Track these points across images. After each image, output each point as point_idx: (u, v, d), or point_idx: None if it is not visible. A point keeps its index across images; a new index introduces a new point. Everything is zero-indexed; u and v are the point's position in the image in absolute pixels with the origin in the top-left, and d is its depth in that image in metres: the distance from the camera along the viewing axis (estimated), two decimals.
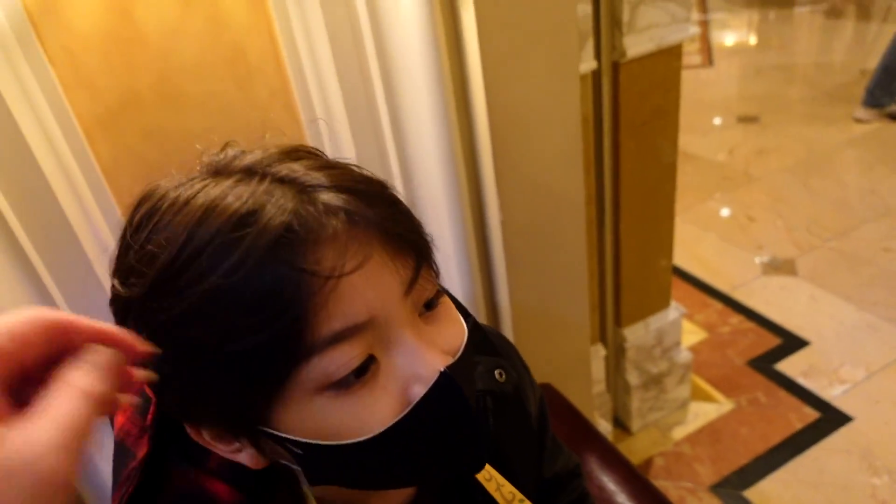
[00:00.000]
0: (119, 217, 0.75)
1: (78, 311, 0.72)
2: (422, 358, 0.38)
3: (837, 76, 3.58)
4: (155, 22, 0.73)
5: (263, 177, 0.36)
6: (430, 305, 0.41)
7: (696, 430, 1.65)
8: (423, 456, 0.40)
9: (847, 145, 2.91)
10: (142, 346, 0.33)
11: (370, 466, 0.39)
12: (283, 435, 0.37)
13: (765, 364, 1.82)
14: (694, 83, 3.77)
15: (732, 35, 4.52)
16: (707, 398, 1.74)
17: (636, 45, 1.17)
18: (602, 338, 1.53)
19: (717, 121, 3.33)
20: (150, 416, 0.43)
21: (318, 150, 0.42)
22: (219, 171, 0.38)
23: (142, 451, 0.42)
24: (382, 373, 0.38)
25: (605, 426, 1.53)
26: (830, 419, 1.63)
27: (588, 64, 1.14)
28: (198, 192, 0.36)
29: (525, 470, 0.57)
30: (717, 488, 1.50)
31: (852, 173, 2.71)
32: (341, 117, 0.86)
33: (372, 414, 0.37)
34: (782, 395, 1.72)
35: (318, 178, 0.37)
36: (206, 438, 0.40)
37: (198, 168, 0.40)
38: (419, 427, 0.38)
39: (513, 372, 0.59)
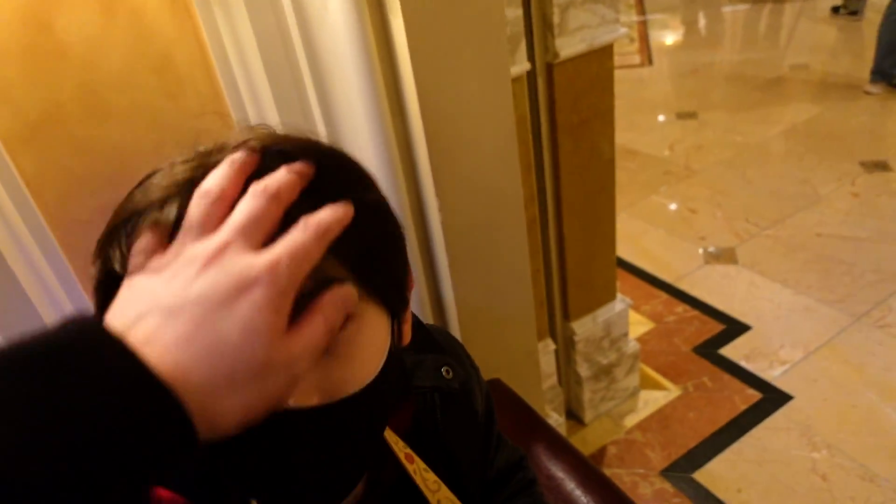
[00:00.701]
0: (46, 230, 0.73)
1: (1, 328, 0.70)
2: None
3: (769, 72, 3.74)
4: (76, 33, 0.72)
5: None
6: None
7: (647, 417, 1.70)
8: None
9: (779, 137, 3.04)
10: None
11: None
12: None
13: (709, 350, 1.89)
14: (635, 82, 3.89)
15: (670, 35, 4.67)
16: (656, 386, 1.79)
17: (568, 47, 1.21)
18: (551, 332, 1.56)
19: (661, 118, 3.43)
20: None
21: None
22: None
23: None
24: None
25: (556, 419, 1.56)
26: (771, 399, 1.71)
27: (522, 66, 1.17)
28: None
29: (470, 466, 0.58)
30: (667, 472, 1.55)
31: (785, 164, 2.84)
32: (275, 123, 0.86)
33: None
34: (726, 378, 1.79)
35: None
36: None
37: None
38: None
39: (459, 369, 0.60)
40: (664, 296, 2.13)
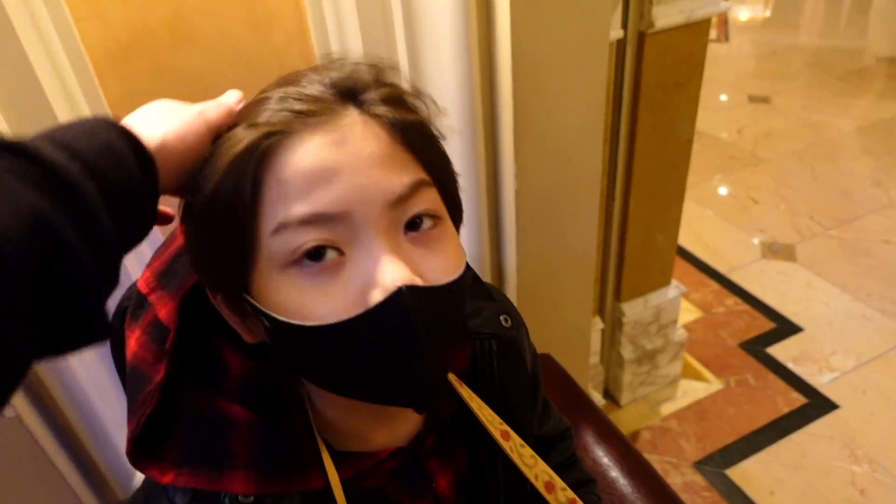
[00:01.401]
0: None
1: None
2: (383, 266, 0.37)
3: (853, 62, 3.52)
4: None
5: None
6: (414, 225, 0.40)
7: (684, 406, 1.67)
8: (366, 366, 0.39)
9: (856, 134, 2.88)
10: None
11: (320, 358, 0.40)
12: (258, 305, 0.40)
13: (757, 347, 1.84)
14: (709, 59, 3.67)
15: (748, 11, 4.42)
16: (697, 377, 1.75)
17: (665, 17, 1.13)
18: (600, 311, 1.53)
19: (728, 98, 3.28)
20: (168, 343, 0.43)
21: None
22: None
23: (158, 376, 0.42)
24: (347, 268, 0.38)
25: (596, 397, 1.55)
26: (816, 405, 1.66)
27: (615, 32, 1.11)
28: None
29: (525, 416, 0.57)
30: (700, 465, 1.53)
31: (859, 163, 2.69)
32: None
33: (326, 303, 0.38)
34: (771, 378, 1.74)
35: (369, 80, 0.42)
36: (218, 301, 0.43)
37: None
38: (367, 334, 0.37)
39: (518, 318, 0.59)
40: (715, 285, 2.07)
